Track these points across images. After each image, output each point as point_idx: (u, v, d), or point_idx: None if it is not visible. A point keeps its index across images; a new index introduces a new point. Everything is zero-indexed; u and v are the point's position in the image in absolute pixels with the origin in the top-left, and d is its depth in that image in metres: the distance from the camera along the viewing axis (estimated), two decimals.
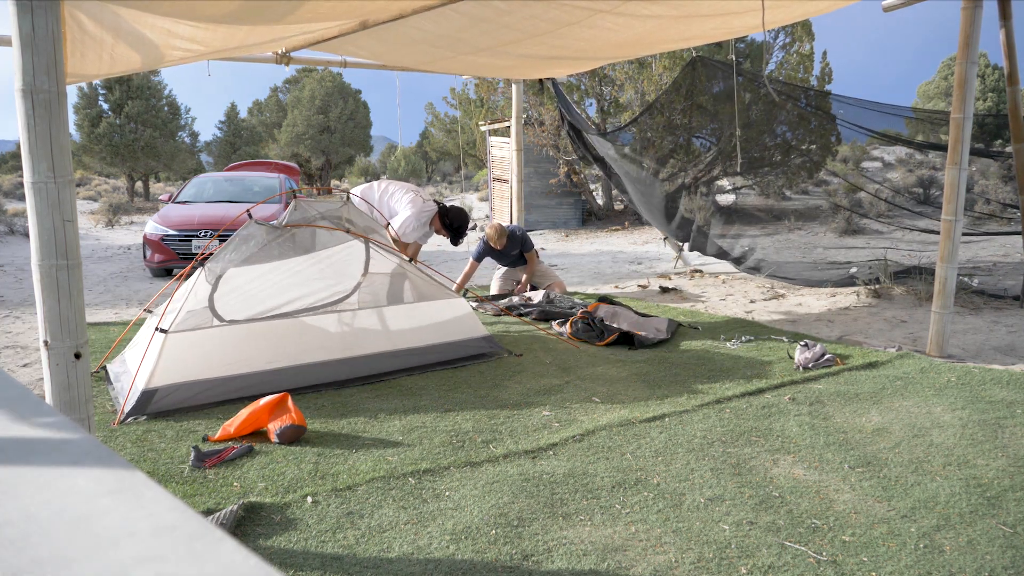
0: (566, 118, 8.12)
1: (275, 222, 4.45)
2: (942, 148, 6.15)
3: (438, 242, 10.88)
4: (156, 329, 3.80)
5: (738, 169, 5.89)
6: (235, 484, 2.86)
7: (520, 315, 6.14)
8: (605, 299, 6.16)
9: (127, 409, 3.62)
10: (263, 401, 3.39)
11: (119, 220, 17.49)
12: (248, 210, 4.49)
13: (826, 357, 4.42)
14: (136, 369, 3.83)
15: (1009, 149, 6.26)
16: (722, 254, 7.80)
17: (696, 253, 10.07)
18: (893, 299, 6.62)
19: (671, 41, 5.81)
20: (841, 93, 7.11)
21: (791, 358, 4.55)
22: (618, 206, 16.50)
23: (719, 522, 2.51)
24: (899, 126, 7.09)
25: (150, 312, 4.69)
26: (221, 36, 4.30)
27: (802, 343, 4.58)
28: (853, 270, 7.14)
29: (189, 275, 4.30)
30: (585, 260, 10.60)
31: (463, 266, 9.51)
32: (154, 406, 3.67)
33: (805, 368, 4.39)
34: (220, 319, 3.97)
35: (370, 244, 4.74)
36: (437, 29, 4.89)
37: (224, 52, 5.01)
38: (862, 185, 9.10)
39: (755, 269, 7.58)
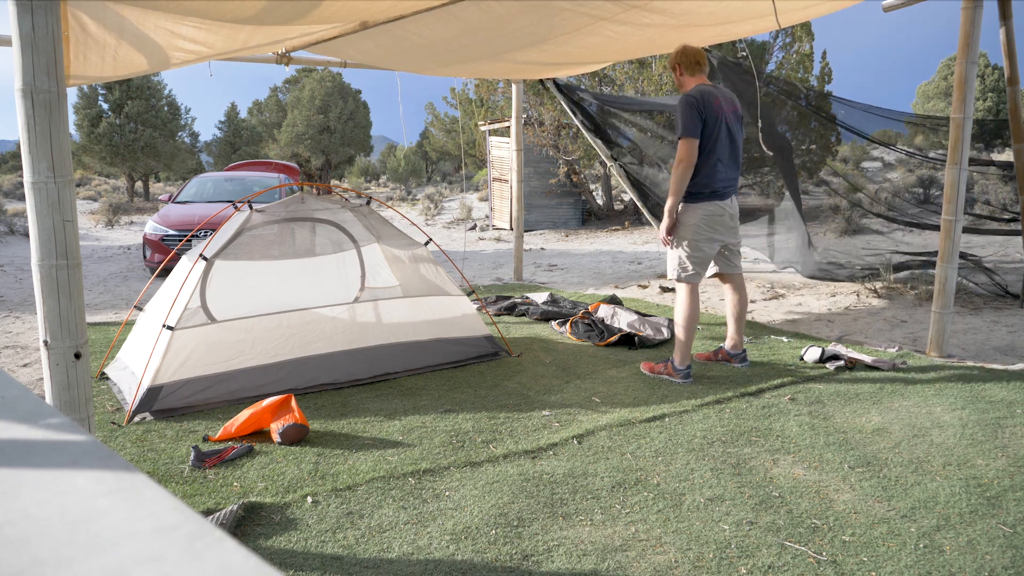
0: (577, 110, 8.02)
1: (270, 206, 4.44)
2: (941, 158, 6.15)
3: (440, 242, 10.87)
4: (163, 326, 3.80)
5: (764, 148, 5.83)
6: (235, 484, 2.87)
7: (520, 315, 6.14)
8: (612, 300, 6.16)
9: (134, 407, 3.63)
10: (266, 402, 3.40)
11: (119, 220, 17.49)
12: (248, 201, 4.47)
13: (841, 359, 4.43)
14: (142, 367, 3.84)
15: (1004, 157, 6.26)
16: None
17: None
18: (893, 299, 6.62)
19: (671, 45, 5.81)
20: (841, 93, 7.11)
21: (802, 359, 4.54)
22: (618, 206, 16.50)
23: (719, 522, 2.51)
24: (899, 126, 7.08)
25: (140, 309, 4.69)
26: (223, 37, 4.30)
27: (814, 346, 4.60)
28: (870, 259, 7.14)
29: (172, 268, 4.28)
30: (585, 260, 10.60)
31: (465, 266, 9.51)
32: (160, 403, 3.67)
33: (818, 362, 4.43)
34: (212, 318, 3.97)
35: (372, 246, 4.74)
36: (435, 35, 4.88)
37: (226, 54, 5.02)
38: (862, 185, 9.10)
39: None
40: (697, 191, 4.12)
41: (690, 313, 4.20)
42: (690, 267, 4.19)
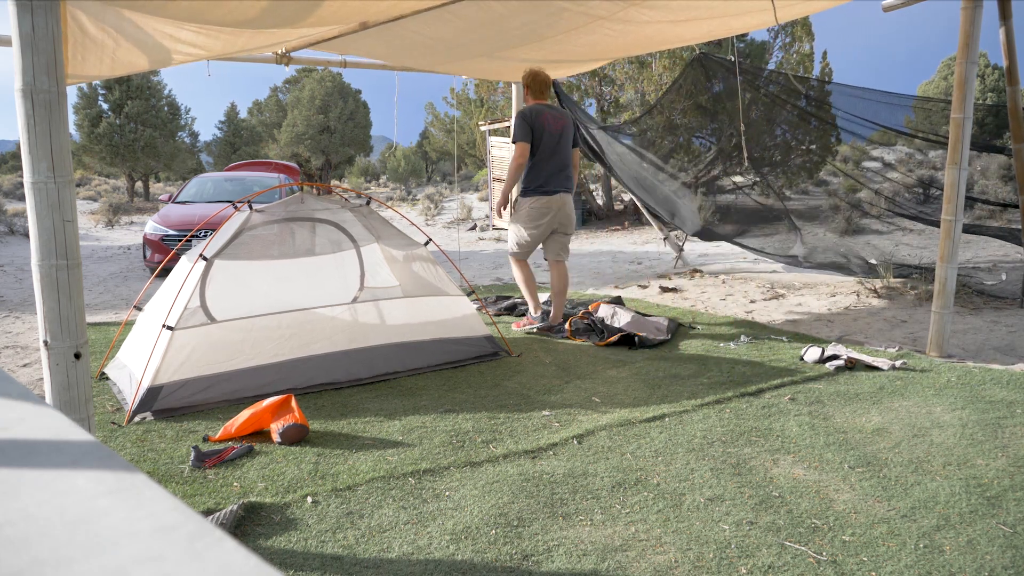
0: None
1: (270, 206, 4.44)
2: (943, 145, 6.13)
3: (440, 242, 10.87)
4: (163, 326, 3.80)
5: (744, 163, 6.28)
6: (235, 484, 2.87)
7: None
8: (616, 300, 6.15)
9: (134, 407, 3.62)
10: (266, 402, 3.40)
11: (119, 220, 17.50)
12: (248, 201, 4.46)
13: (841, 359, 4.41)
14: (142, 367, 3.83)
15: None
16: (732, 240, 7.93)
17: (696, 253, 10.07)
18: (893, 299, 6.62)
19: (670, 42, 5.84)
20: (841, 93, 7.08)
21: (802, 360, 4.53)
22: (618, 206, 16.49)
23: (719, 522, 2.51)
24: (900, 117, 7.04)
25: (140, 309, 4.69)
26: (223, 41, 4.30)
27: (814, 346, 4.59)
28: (873, 261, 7.20)
29: (172, 268, 4.27)
30: (585, 260, 10.59)
31: (464, 267, 9.48)
32: (160, 403, 3.67)
33: (818, 362, 4.42)
34: (212, 318, 3.97)
35: (372, 246, 4.74)
36: (435, 33, 4.88)
37: (225, 55, 5.02)
38: (863, 184, 9.11)
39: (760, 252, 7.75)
40: (527, 187, 5.21)
41: (524, 277, 5.45)
42: (516, 248, 5.37)
